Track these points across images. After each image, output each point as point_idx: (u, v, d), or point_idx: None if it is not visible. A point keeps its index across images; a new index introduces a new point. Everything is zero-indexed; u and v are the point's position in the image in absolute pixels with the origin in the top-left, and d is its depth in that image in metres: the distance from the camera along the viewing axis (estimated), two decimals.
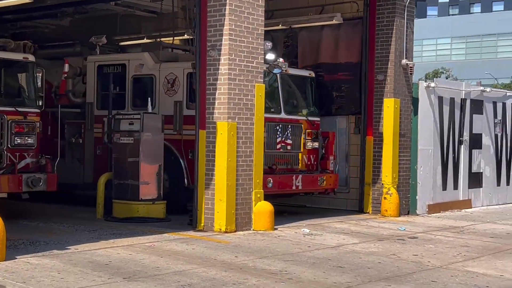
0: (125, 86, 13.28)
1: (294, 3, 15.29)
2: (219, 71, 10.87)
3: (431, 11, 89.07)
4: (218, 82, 10.87)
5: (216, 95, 10.89)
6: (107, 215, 12.05)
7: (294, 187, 12.65)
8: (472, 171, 15.93)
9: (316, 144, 13.44)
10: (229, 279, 7.55)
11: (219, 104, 10.86)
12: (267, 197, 11.45)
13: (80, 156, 13.83)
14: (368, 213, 14.00)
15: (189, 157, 12.18)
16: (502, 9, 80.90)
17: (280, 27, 15.29)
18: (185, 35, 14.32)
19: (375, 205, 13.94)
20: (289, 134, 12.88)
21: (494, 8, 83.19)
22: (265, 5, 11.79)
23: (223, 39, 10.82)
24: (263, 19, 11.38)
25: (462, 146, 15.56)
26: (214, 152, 10.88)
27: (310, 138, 13.32)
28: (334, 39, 14.71)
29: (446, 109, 15.07)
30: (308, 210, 14.36)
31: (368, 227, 12.27)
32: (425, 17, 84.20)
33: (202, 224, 10.99)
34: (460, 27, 68.76)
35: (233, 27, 10.84)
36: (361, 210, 14.13)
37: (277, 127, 12.67)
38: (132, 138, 11.82)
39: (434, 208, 14.63)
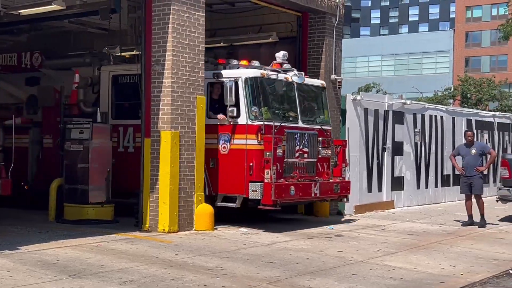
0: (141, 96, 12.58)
1: (235, 23, 15.43)
2: (163, 84, 10.87)
3: (364, 31, 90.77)
4: (162, 94, 10.86)
5: (160, 106, 10.87)
6: (59, 218, 11.87)
7: (313, 195, 12.02)
8: (395, 175, 16.20)
9: (329, 152, 12.84)
10: (168, 275, 7.55)
11: (163, 114, 10.85)
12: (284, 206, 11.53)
13: None
14: (302, 213, 14.11)
15: (210, 165, 11.59)
16: (427, 30, 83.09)
17: (222, 44, 15.46)
18: (134, 51, 14.22)
19: (308, 206, 14.04)
20: (306, 143, 12.30)
21: (420, 29, 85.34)
22: (208, 24, 11.81)
23: (166, 55, 10.83)
24: (204, 37, 11.41)
25: (385, 153, 15.83)
26: (159, 159, 10.86)
27: (323, 146, 12.72)
28: (271, 56, 14.82)
29: (371, 120, 15.32)
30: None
31: None
32: (359, 37, 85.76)
33: (147, 225, 10.94)
34: (390, 46, 70.14)
35: (176, 43, 10.86)
36: (295, 211, 14.23)
37: (296, 136, 12.03)
38: (82, 146, 11.70)
39: (360, 209, 14.85)
